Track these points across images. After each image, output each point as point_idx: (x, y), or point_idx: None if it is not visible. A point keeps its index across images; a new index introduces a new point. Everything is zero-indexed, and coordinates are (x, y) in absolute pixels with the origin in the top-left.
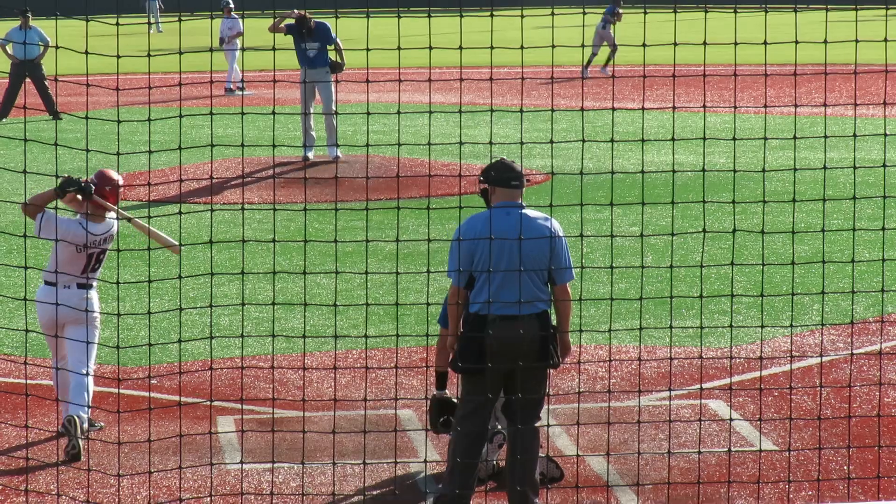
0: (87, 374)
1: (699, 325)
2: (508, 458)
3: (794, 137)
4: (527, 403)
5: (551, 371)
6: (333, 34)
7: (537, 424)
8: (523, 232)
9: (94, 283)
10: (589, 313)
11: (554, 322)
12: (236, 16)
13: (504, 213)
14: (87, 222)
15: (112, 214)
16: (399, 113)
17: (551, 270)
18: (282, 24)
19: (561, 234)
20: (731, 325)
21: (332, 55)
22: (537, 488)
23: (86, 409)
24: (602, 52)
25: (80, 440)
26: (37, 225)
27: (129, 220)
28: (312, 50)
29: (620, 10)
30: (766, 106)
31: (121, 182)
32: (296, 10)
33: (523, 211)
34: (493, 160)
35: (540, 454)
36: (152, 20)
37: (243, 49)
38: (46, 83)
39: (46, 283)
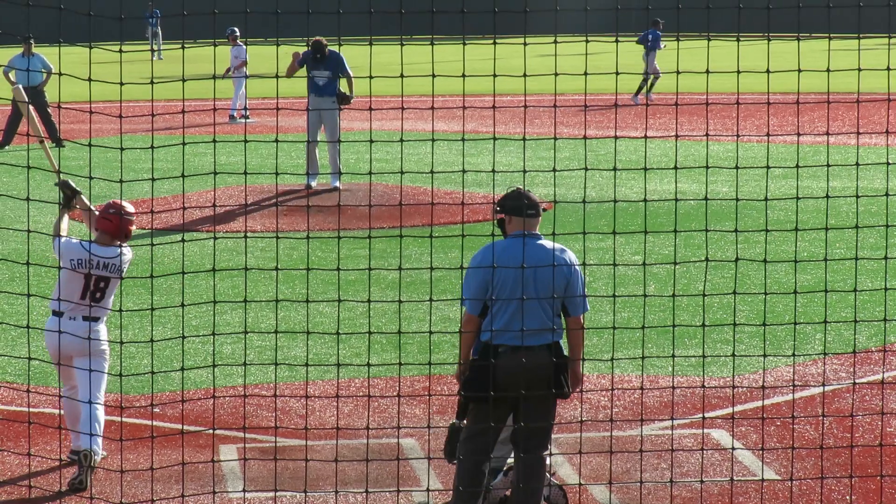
0: (98, 406)
1: (701, 354)
2: (514, 485)
3: (797, 166)
4: (535, 432)
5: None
6: (346, 66)
7: (545, 454)
8: (539, 262)
9: (103, 318)
10: (591, 342)
11: (566, 352)
12: (241, 44)
13: (520, 243)
14: (91, 244)
15: (126, 245)
16: (402, 141)
17: (565, 301)
18: (296, 64)
19: (577, 265)
20: (733, 354)
21: (342, 86)
22: None
23: (99, 442)
24: (638, 78)
25: (88, 475)
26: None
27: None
28: (322, 78)
29: (660, 33)
30: (768, 134)
31: (130, 210)
32: (316, 38)
33: (539, 241)
34: (510, 189)
35: (546, 480)
36: (154, 47)
37: (247, 77)
38: (49, 110)
39: (54, 313)
